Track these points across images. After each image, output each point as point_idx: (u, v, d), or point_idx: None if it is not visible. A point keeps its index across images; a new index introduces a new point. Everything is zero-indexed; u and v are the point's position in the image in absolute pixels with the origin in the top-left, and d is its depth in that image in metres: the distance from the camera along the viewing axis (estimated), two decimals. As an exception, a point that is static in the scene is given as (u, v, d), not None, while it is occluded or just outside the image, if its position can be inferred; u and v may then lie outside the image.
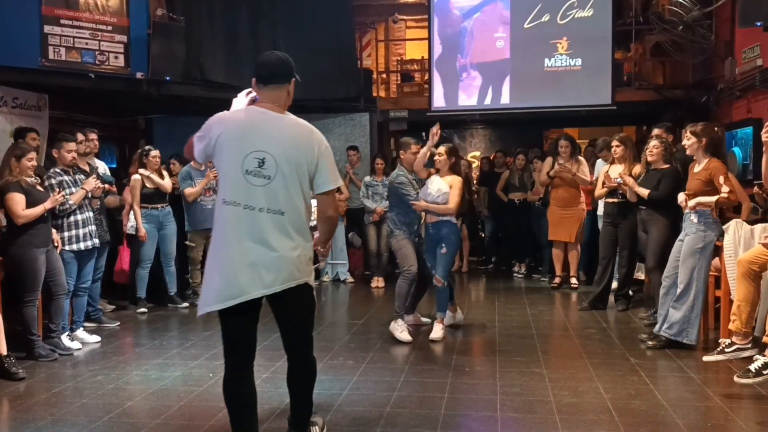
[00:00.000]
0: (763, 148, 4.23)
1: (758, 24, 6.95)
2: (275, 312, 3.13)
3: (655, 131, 6.54)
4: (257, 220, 2.94)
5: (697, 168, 5.18)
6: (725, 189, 4.95)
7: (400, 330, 5.69)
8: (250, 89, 3.21)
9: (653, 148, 5.90)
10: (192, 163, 7.44)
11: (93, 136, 6.55)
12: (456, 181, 5.73)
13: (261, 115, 3.04)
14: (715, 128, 5.30)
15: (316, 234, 3.29)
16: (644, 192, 5.87)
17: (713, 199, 5.05)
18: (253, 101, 3.18)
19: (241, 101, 3.21)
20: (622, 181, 6.16)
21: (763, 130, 4.12)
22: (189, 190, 7.21)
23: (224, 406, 4.03)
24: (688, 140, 5.19)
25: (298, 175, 2.99)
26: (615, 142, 6.64)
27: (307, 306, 3.17)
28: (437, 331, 5.73)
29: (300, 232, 3.03)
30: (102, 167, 6.77)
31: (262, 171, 2.94)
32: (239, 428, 3.12)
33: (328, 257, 3.67)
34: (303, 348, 3.25)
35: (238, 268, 2.93)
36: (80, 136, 6.16)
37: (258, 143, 2.95)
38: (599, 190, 6.84)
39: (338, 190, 9.41)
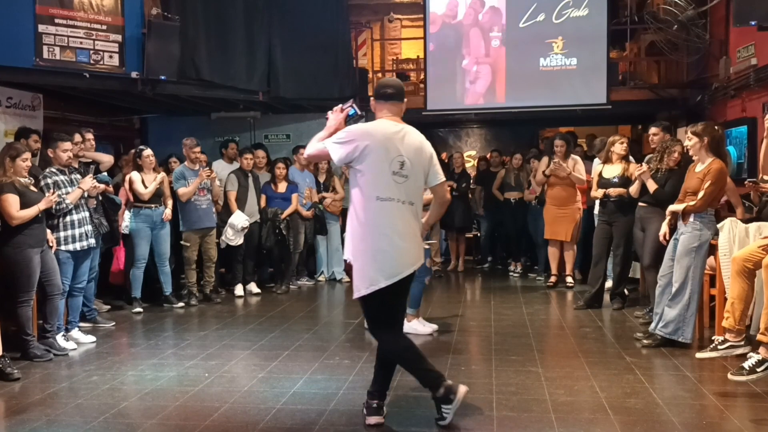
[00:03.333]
0: (764, 134, 4.23)
1: (752, 23, 6.96)
2: (396, 289, 3.63)
3: (652, 130, 6.55)
4: (403, 211, 3.64)
5: (699, 167, 5.18)
6: (699, 194, 5.01)
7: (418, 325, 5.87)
8: (341, 105, 3.84)
9: (679, 155, 5.90)
10: (186, 162, 7.43)
11: (89, 135, 6.54)
12: None
13: (394, 127, 3.71)
14: (715, 126, 5.32)
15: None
16: (652, 187, 5.89)
17: (681, 207, 5.14)
18: (347, 115, 3.80)
19: (337, 115, 3.82)
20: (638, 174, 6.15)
21: (766, 116, 4.12)
22: (182, 190, 7.20)
23: (220, 406, 4.07)
24: (690, 141, 5.19)
25: (421, 172, 3.73)
26: (624, 139, 6.70)
27: (408, 286, 3.86)
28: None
29: (420, 219, 3.81)
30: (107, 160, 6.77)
31: (402, 171, 3.63)
32: (426, 365, 3.72)
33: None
34: (399, 324, 3.86)
35: (395, 250, 3.60)
36: (78, 137, 6.15)
37: (399, 149, 3.64)
38: (594, 192, 6.86)
39: (334, 189, 9.34)
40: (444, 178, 3.88)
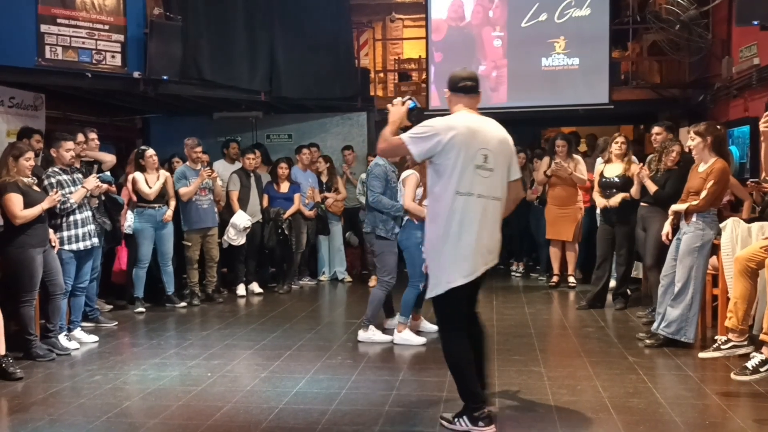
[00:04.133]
0: (761, 138, 4.23)
1: (755, 23, 6.95)
2: (476, 284, 3.64)
3: (655, 129, 6.54)
4: (485, 206, 3.55)
5: (702, 167, 5.18)
6: (702, 194, 5.00)
7: (378, 334, 5.63)
8: (400, 98, 3.78)
9: (677, 155, 5.91)
10: (188, 162, 7.44)
11: (93, 135, 6.54)
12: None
13: (477, 119, 3.64)
14: (718, 126, 5.32)
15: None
16: (652, 188, 5.89)
17: (684, 206, 5.14)
18: (410, 109, 3.72)
19: (398, 108, 3.73)
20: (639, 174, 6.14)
21: (762, 120, 4.12)
22: (183, 190, 7.20)
23: (222, 405, 4.07)
24: (693, 141, 5.18)
25: (505, 167, 3.64)
26: (621, 139, 6.69)
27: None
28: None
29: (502, 215, 3.68)
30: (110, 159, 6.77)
31: (487, 165, 3.54)
32: (474, 384, 3.62)
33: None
34: (475, 311, 3.85)
35: (476, 247, 3.52)
36: (81, 137, 6.15)
37: (482, 142, 3.56)
38: (596, 194, 6.87)
39: (336, 189, 9.26)
40: (520, 175, 3.79)
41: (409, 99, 3.78)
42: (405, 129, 3.71)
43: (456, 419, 3.63)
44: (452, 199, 3.52)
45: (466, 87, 3.67)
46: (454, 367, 3.65)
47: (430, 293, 3.62)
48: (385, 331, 5.76)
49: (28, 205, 5.07)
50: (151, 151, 7.05)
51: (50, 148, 5.69)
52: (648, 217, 6.04)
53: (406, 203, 5.45)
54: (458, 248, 3.51)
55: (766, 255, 4.17)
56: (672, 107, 10.17)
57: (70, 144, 5.61)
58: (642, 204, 6.13)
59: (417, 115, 3.79)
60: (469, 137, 3.52)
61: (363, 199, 8.50)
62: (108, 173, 6.65)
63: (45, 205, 5.15)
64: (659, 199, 5.88)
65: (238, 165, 8.20)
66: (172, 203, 7.12)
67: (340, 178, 8.95)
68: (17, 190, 5.05)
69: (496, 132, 3.65)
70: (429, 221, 3.66)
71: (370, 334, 5.63)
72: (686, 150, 5.77)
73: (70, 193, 5.50)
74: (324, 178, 8.82)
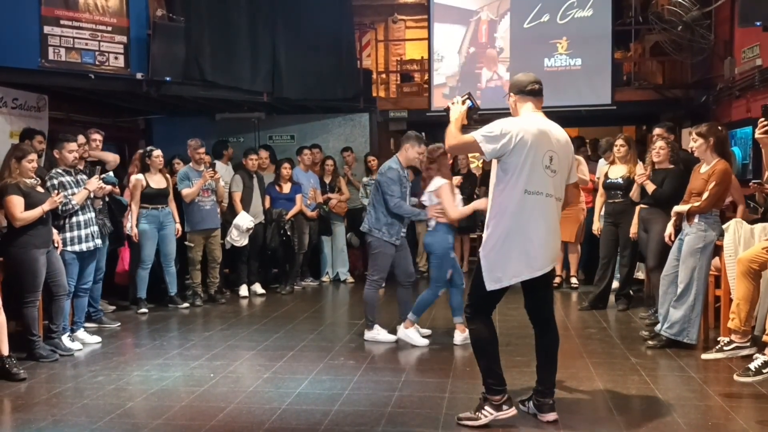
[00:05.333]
0: (760, 144, 4.24)
1: (758, 23, 6.95)
2: (535, 287, 3.79)
3: (657, 131, 6.55)
4: (550, 205, 3.67)
5: (704, 168, 5.18)
6: (704, 195, 5.01)
7: (382, 333, 5.65)
8: (458, 97, 3.87)
9: (660, 149, 5.95)
10: (191, 164, 7.45)
11: (97, 136, 6.55)
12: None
13: (545, 121, 3.75)
14: (719, 127, 5.32)
15: None
16: (651, 188, 5.90)
17: (686, 207, 5.15)
18: (469, 108, 3.81)
19: (458, 107, 3.81)
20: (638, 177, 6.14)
21: (757, 129, 4.14)
22: (186, 191, 7.21)
23: (225, 406, 4.07)
24: (695, 142, 5.18)
25: (566, 169, 3.75)
26: (619, 141, 6.68)
27: (553, 280, 3.97)
28: (458, 338, 5.57)
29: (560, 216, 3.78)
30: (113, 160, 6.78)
31: (552, 165, 3.64)
32: (497, 368, 3.80)
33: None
34: (552, 317, 3.95)
35: (544, 243, 3.64)
36: (81, 139, 6.15)
37: (549, 143, 3.66)
38: (600, 197, 6.87)
39: (339, 190, 9.22)
40: (576, 179, 3.92)
41: (468, 98, 3.86)
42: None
43: (478, 413, 3.72)
44: (521, 197, 3.62)
45: (534, 90, 3.80)
46: (481, 350, 3.80)
47: (492, 286, 3.68)
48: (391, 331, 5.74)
49: (30, 206, 5.08)
50: (158, 152, 7.07)
51: (53, 149, 5.70)
52: (649, 218, 6.04)
53: (453, 212, 5.38)
54: (526, 243, 3.62)
55: (768, 256, 4.17)
56: (674, 108, 10.17)
57: (73, 145, 5.62)
58: (642, 206, 6.14)
59: (475, 115, 3.86)
60: (539, 138, 3.63)
61: (366, 202, 8.51)
62: (111, 174, 6.67)
63: (46, 206, 5.16)
64: (658, 198, 5.88)
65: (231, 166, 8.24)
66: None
67: (343, 179, 8.95)
68: (18, 192, 5.05)
69: (561, 134, 3.76)
70: (492, 218, 3.71)
71: (375, 333, 5.65)
72: (689, 150, 5.77)
73: (73, 194, 5.52)
74: (327, 179, 8.82)
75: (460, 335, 5.53)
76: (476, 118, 3.84)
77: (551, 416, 3.77)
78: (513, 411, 3.73)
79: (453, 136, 3.73)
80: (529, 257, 3.63)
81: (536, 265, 3.65)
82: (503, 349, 5.32)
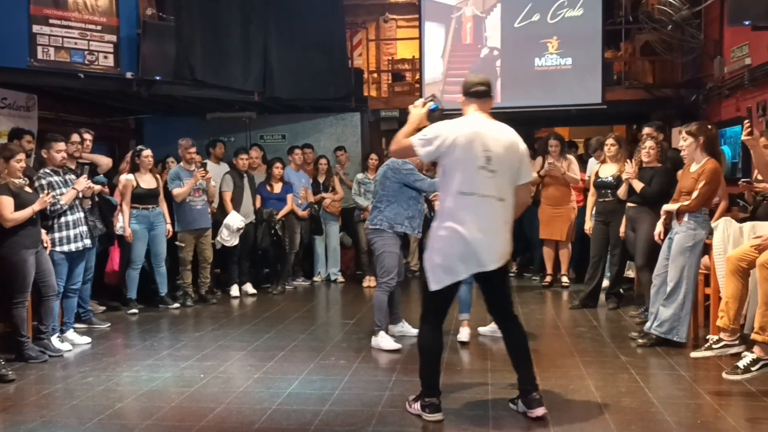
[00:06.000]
0: (749, 146, 4.27)
1: (747, 23, 6.97)
2: (489, 286, 3.83)
3: (646, 130, 6.59)
4: (489, 206, 3.65)
5: (694, 167, 5.20)
6: (693, 194, 5.03)
7: (386, 341, 5.40)
8: (422, 99, 3.91)
9: (650, 149, 5.97)
10: (182, 163, 7.43)
11: (87, 136, 6.52)
12: None
13: (484, 122, 3.74)
14: (709, 126, 5.35)
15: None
16: (639, 186, 5.92)
17: (676, 206, 5.17)
18: (431, 110, 3.84)
19: (419, 110, 3.86)
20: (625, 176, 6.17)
21: (743, 133, 4.16)
22: (177, 191, 7.19)
23: (215, 407, 4.06)
24: (685, 141, 5.20)
25: (510, 170, 3.70)
26: (609, 141, 6.70)
27: (509, 279, 3.99)
28: (464, 334, 5.60)
29: (510, 216, 3.76)
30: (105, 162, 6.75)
31: (489, 166, 3.63)
32: (435, 378, 3.85)
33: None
34: (512, 314, 3.93)
35: (477, 245, 3.62)
36: (76, 137, 6.12)
37: (485, 144, 3.64)
38: (592, 196, 6.89)
39: (333, 189, 9.18)
40: (530, 179, 3.89)
41: (431, 100, 3.85)
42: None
43: (413, 402, 3.90)
44: (455, 198, 3.66)
45: (479, 92, 3.80)
46: (424, 356, 3.83)
47: (433, 286, 3.72)
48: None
49: (20, 206, 5.05)
50: (147, 152, 7.04)
51: (42, 149, 5.67)
52: (636, 217, 6.06)
53: None
54: (461, 244, 3.63)
55: (757, 254, 4.19)
56: (665, 107, 10.20)
57: (61, 145, 5.59)
58: (629, 205, 6.16)
59: (439, 117, 3.83)
60: (472, 139, 3.63)
61: (360, 200, 8.51)
62: (102, 176, 6.64)
63: (36, 207, 5.13)
64: (646, 196, 5.91)
65: (224, 166, 8.20)
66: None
67: (337, 178, 8.92)
68: (7, 193, 5.02)
69: (503, 135, 3.73)
70: (434, 219, 3.82)
71: (379, 341, 5.41)
72: (679, 149, 5.80)
73: (62, 194, 5.49)
74: (321, 178, 8.81)
75: (466, 332, 5.57)
76: (437, 116, 3.83)
77: (540, 411, 3.78)
78: (436, 417, 3.76)
79: (396, 140, 3.79)
80: (465, 257, 3.64)
81: (472, 265, 3.65)
82: (495, 348, 5.38)
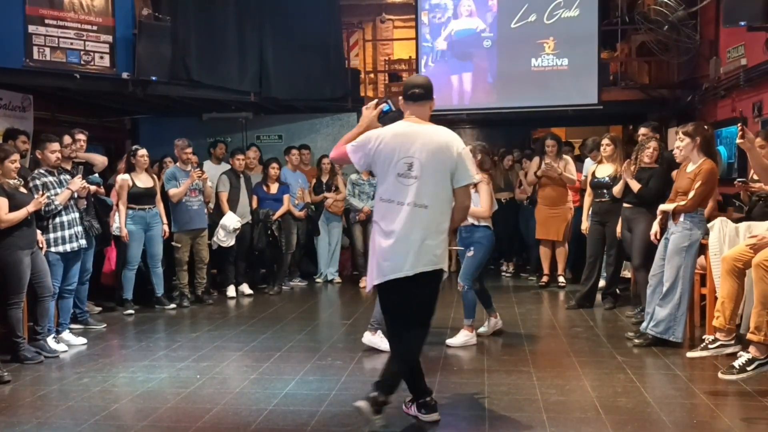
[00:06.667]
0: (744, 149, 4.28)
1: (742, 24, 7.00)
2: (408, 292, 3.61)
3: (642, 130, 6.59)
4: (407, 214, 3.54)
5: (690, 167, 5.21)
6: (690, 194, 5.04)
7: (382, 342, 5.25)
8: (376, 101, 3.80)
9: (654, 149, 5.97)
10: (178, 163, 7.42)
11: (81, 136, 6.50)
12: (483, 180, 5.40)
13: (409, 128, 3.63)
14: (706, 126, 5.36)
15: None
16: (636, 186, 5.93)
17: (671, 206, 5.18)
18: (382, 111, 3.74)
19: (371, 111, 3.77)
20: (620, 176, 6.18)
21: (738, 137, 4.17)
22: (173, 191, 7.18)
23: (211, 407, 4.06)
24: (682, 141, 5.21)
25: (440, 174, 3.56)
26: (605, 141, 6.71)
27: (433, 291, 3.72)
28: (458, 337, 5.50)
29: (440, 223, 3.62)
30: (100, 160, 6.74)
31: (410, 173, 3.54)
32: (392, 387, 3.66)
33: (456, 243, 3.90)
34: (415, 327, 3.69)
35: (390, 252, 3.55)
36: (68, 139, 6.11)
37: (406, 150, 3.55)
38: (588, 197, 6.89)
39: (336, 189, 9.18)
40: (473, 181, 3.72)
41: (385, 102, 3.76)
42: None
43: (410, 404, 3.85)
44: (378, 205, 3.66)
45: (413, 95, 3.68)
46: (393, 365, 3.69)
47: (368, 288, 3.78)
48: None
49: (14, 207, 5.03)
50: (143, 151, 7.02)
51: (36, 149, 5.65)
52: (632, 218, 6.07)
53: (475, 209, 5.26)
54: (377, 250, 3.62)
55: (752, 254, 4.19)
56: (661, 108, 10.23)
57: (55, 145, 5.57)
58: (625, 205, 6.17)
59: (392, 119, 3.74)
60: (393, 145, 3.57)
61: (354, 202, 8.49)
62: (96, 175, 6.63)
63: (31, 207, 5.11)
64: (643, 196, 5.92)
65: (224, 166, 8.18)
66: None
67: (341, 178, 8.86)
68: (2, 193, 5.00)
69: (431, 139, 3.59)
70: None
71: (376, 340, 5.30)
72: (675, 150, 5.80)
73: (56, 194, 5.47)
74: (324, 178, 8.77)
75: (462, 337, 5.49)
76: (390, 118, 3.74)
77: (434, 416, 3.75)
78: (432, 417, 3.74)
79: (337, 145, 3.75)
80: (380, 264, 3.61)
81: (385, 271, 3.58)
82: (491, 348, 5.38)
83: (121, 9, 7.52)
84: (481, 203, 5.42)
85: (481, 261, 5.55)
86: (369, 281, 3.73)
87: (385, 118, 3.75)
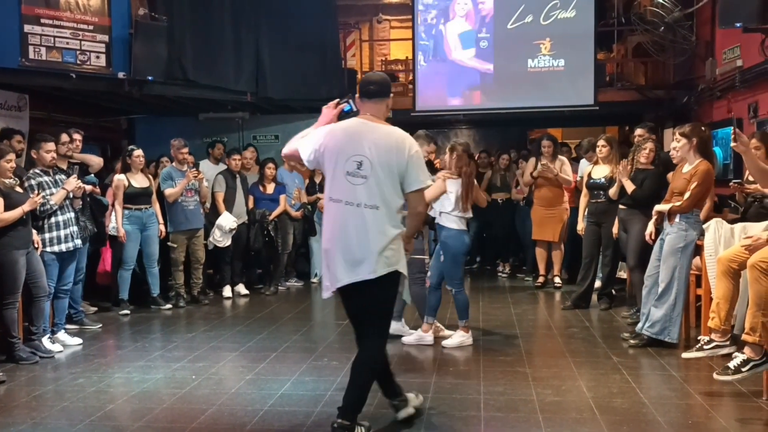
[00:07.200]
0: (739, 152, 4.28)
1: (738, 25, 7.01)
2: (358, 297, 3.49)
3: (638, 131, 6.60)
4: (358, 214, 3.38)
5: (686, 168, 5.22)
6: (686, 195, 5.05)
7: (403, 326, 5.73)
8: (337, 100, 3.68)
9: (650, 150, 5.99)
10: (174, 163, 7.41)
11: (77, 136, 6.49)
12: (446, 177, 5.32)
13: (361, 126, 3.49)
14: (702, 127, 5.37)
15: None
16: (630, 187, 5.94)
17: (667, 207, 5.19)
18: (342, 111, 3.63)
19: (330, 110, 3.67)
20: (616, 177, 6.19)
21: (732, 141, 4.17)
22: (169, 191, 7.17)
23: (207, 408, 4.05)
24: (678, 142, 5.23)
25: (390, 175, 3.40)
26: (601, 142, 6.71)
27: (389, 294, 3.53)
28: (454, 338, 5.51)
29: (393, 225, 3.43)
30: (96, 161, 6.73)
31: (360, 172, 3.38)
32: (361, 397, 3.58)
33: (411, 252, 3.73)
34: (371, 335, 3.56)
35: (340, 256, 3.39)
36: (65, 137, 6.09)
37: (356, 148, 3.41)
38: (584, 197, 6.90)
39: None
40: (425, 185, 3.49)
41: (346, 102, 3.64)
42: None
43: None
44: (327, 205, 3.50)
45: (369, 92, 3.53)
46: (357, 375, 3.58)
47: (323, 294, 3.59)
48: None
49: (10, 207, 5.02)
50: (139, 152, 7.02)
51: (32, 149, 5.64)
52: (628, 219, 6.08)
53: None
54: (328, 253, 3.45)
55: (748, 255, 4.20)
56: (657, 108, 10.24)
57: (50, 145, 5.56)
58: (621, 206, 6.18)
59: (347, 118, 3.63)
60: (343, 143, 3.44)
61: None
62: (92, 174, 6.61)
63: (26, 207, 5.10)
64: (637, 198, 5.93)
65: (223, 166, 8.17)
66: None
67: None
68: (-2, 193, 5.00)
69: (383, 138, 3.43)
70: None
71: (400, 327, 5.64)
72: (670, 151, 5.82)
73: (52, 194, 5.46)
74: (318, 179, 8.76)
75: (457, 338, 5.50)
76: (351, 118, 3.61)
77: (406, 413, 3.73)
78: None
79: (289, 143, 3.64)
80: (330, 268, 3.44)
81: (339, 276, 3.41)
82: (487, 349, 5.39)
83: (117, 9, 7.51)
84: (431, 188, 5.09)
85: (454, 260, 5.44)
86: (325, 287, 3.53)
87: (344, 118, 3.63)
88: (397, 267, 3.44)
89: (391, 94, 3.62)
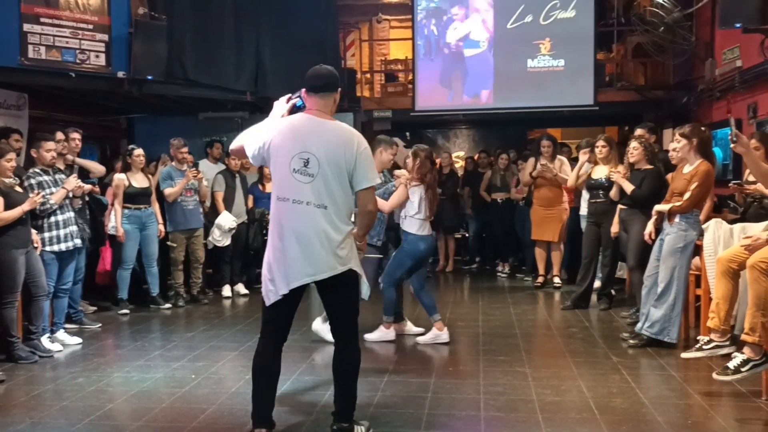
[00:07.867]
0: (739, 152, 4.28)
1: (738, 25, 7.03)
2: (323, 299, 3.47)
3: (638, 132, 6.61)
4: (306, 214, 3.26)
5: (687, 168, 5.22)
6: (686, 195, 5.05)
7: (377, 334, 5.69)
8: (290, 95, 3.53)
9: (633, 149, 6.00)
10: (174, 163, 7.41)
11: (75, 135, 6.48)
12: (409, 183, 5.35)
13: (308, 121, 3.36)
14: (702, 128, 5.37)
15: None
16: (629, 188, 5.94)
17: (667, 207, 5.20)
18: (294, 106, 3.48)
19: (282, 106, 3.52)
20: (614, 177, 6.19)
21: (731, 144, 4.17)
22: (168, 190, 7.17)
23: (207, 407, 4.05)
24: (679, 143, 5.23)
25: (338, 173, 3.29)
26: (600, 143, 6.71)
27: (350, 293, 3.44)
28: (375, 333, 5.66)
29: (343, 223, 3.33)
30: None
31: (307, 170, 3.27)
32: (258, 392, 3.45)
33: (365, 251, 3.65)
34: (346, 336, 3.49)
35: (289, 257, 3.26)
36: (60, 135, 6.09)
37: (303, 145, 3.28)
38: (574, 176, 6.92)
39: None
40: (373, 183, 3.37)
41: (298, 97, 3.50)
42: None
43: None
44: (274, 204, 3.36)
45: (314, 86, 3.39)
46: (254, 377, 3.45)
47: (266, 301, 3.39)
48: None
49: (9, 206, 5.01)
50: (139, 151, 7.02)
51: (31, 148, 5.64)
52: (628, 219, 6.09)
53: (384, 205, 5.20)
54: (276, 254, 3.31)
55: (747, 255, 4.20)
56: (656, 109, 10.25)
57: (50, 144, 5.56)
58: (621, 206, 6.18)
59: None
60: (288, 139, 3.30)
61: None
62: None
63: (26, 206, 5.09)
64: (637, 198, 5.93)
65: (222, 165, 8.16)
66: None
67: None
68: (-2, 192, 4.99)
69: (331, 135, 3.32)
70: None
71: (373, 335, 5.67)
72: (670, 152, 5.82)
73: (51, 193, 5.46)
74: None
75: (378, 333, 5.63)
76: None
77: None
78: None
79: (238, 138, 3.49)
80: (281, 270, 3.28)
81: (291, 278, 3.26)
82: (486, 349, 5.39)
83: (116, 7, 7.51)
84: (393, 196, 5.29)
85: (400, 262, 5.52)
86: (269, 291, 3.34)
87: (295, 114, 3.48)
88: (350, 266, 3.34)
89: (339, 89, 3.48)
